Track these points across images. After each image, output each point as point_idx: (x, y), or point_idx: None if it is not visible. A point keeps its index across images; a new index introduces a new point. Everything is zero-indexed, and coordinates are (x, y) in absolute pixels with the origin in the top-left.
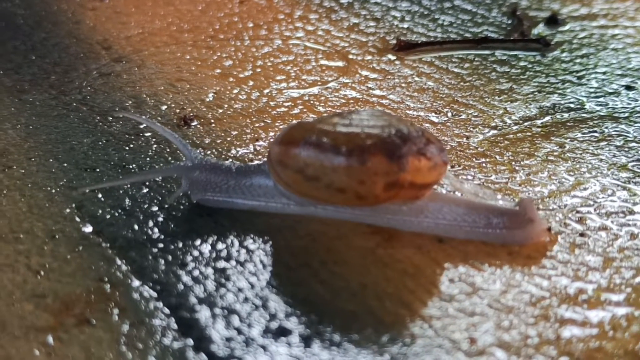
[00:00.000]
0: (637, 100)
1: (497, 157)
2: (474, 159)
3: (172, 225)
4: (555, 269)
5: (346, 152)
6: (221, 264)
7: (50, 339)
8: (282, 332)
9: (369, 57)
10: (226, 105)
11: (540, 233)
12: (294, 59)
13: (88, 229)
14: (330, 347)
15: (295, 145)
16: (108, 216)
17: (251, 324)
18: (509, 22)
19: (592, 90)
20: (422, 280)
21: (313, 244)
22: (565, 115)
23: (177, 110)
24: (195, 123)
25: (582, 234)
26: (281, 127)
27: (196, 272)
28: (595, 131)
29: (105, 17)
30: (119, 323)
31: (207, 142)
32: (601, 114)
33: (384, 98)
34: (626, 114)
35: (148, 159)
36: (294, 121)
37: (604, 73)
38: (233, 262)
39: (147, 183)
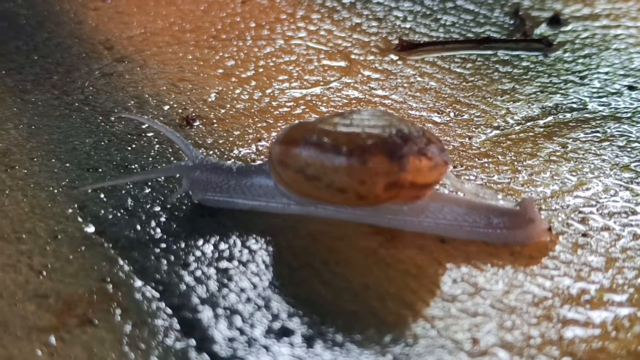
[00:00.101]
0: (639, 101)
1: (500, 157)
2: (476, 159)
3: (175, 226)
4: (557, 270)
5: (347, 152)
6: (223, 264)
7: (52, 339)
8: (284, 333)
9: (371, 57)
10: (228, 106)
11: (540, 233)
12: (296, 59)
13: (90, 229)
14: (332, 347)
15: (296, 145)
16: (110, 216)
17: (254, 324)
18: (512, 22)
19: (594, 90)
20: (424, 281)
21: (315, 244)
22: (568, 115)
23: (180, 111)
24: (197, 123)
25: (584, 234)
26: (283, 127)
27: (198, 273)
28: (598, 131)
29: (108, 17)
30: (121, 323)
31: (209, 142)
32: (604, 114)
33: (386, 98)
34: (629, 114)
35: (150, 159)
36: (296, 121)
37: (607, 73)
38: (235, 263)
39: (150, 183)
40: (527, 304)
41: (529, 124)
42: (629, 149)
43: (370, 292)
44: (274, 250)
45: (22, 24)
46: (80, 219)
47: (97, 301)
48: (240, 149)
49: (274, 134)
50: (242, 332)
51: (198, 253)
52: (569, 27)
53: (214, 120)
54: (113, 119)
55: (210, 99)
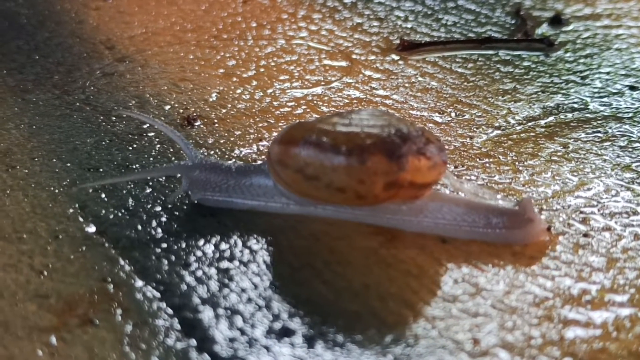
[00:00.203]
0: None
1: (501, 157)
2: (477, 159)
3: (176, 226)
4: (558, 270)
5: (346, 152)
6: (224, 264)
7: (53, 339)
8: (285, 333)
9: (373, 57)
10: (229, 105)
11: (539, 233)
12: (297, 58)
13: (91, 229)
14: (333, 347)
15: (295, 145)
16: (111, 216)
17: (254, 325)
18: (513, 22)
19: (595, 90)
20: (425, 281)
21: (316, 244)
22: (569, 115)
23: (181, 110)
24: (198, 123)
25: (585, 235)
26: (284, 127)
27: (199, 273)
28: (599, 131)
29: (109, 17)
30: (122, 323)
31: (210, 142)
32: (605, 114)
33: (387, 98)
34: (630, 114)
35: (151, 159)
36: (296, 121)
37: (608, 73)
38: (236, 263)
39: (150, 183)
40: (528, 305)
41: (530, 124)
42: (630, 149)
43: (371, 292)
44: (275, 250)
45: (23, 23)
46: (81, 219)
47: (98, 301)
48: (242, 149)
49: (275, 133)
50: (243, 332)
51: (199, 253)
52: (570, 27)
53: (215, 120)
54: (114, 118)
55: (211, 99)
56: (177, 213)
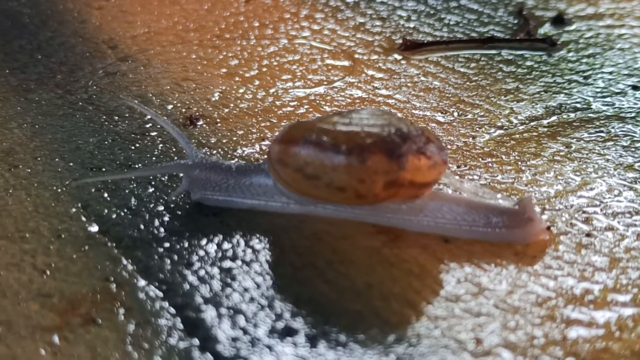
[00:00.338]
0: None
1: (504, 157)
2: (480, 159)
3: (178, 225)
4: (561, 270)
5: (346, 151)
6: (227, 263)
7: (56, 339)
8: (288, 332)
9: (375, 57)
10: (232, 105)
11: (539, 232)
12: (299, 58)
13: (94, 228)
14: (336, 347)
15: (295, 144)
16: (114, 215)
17: (257, 324)
18: (515, 21)
19: (598, 90)
20: (428, 281)
21: (319, 244)
22: (572, 115)
23: (183, 110)
24: (201, 122)
25: (588, 234)
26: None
27: (202, 272)
28: (602, 131)
29: (111, 16)
30: (124, 323)
31: (212, 141)
32: (608, 113)
33: (390, 98)
34: (633, 114)
35: (154, 158)
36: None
37: (611, 73)
38: (239, 262)
39: (153, 182)
40: (530, 304)
41: (532, 123)
42: (633, 149)
43: (374, 292)
44: (278, 249)
45: (26, 22)
46: (83, 218)
47: (100, 300)
48: (244, 149)
49: (277, 133)
50: (245, 331)
51: (201, 252)
52: (573, 27)
53: (218, 120)
54: (117, 118)
55: (213, 99)
56: (179, 212)
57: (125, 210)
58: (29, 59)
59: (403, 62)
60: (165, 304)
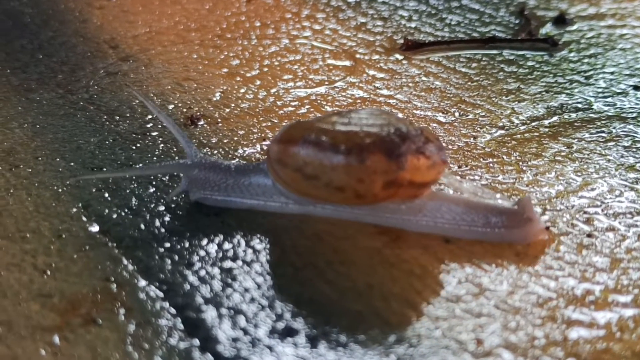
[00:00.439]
0: None
1: (505, 157)
2: (481, 159)
3: (179, 225)
4: (562, 270)
5: (345, 151)
6: (227, 263)
7: (56, 339)
8: (288, 333)
9: (376, 57)
10: (233, 105)
11: (538, 232)
12: (301, 58)
13: (94, 228)
14: (336, 347)
15: (294, 144)
16: (114, 215)
17: (257, 324)
18: (517, 21)
19: (600, 90)
20: (428, 281)
21: (319, 244)
22: (573, 115)
23: (184, 110)
24: (202, 122)
25: (589, 235)
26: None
27: (202, 272)
28: (603, 131)
29: (113, 16)
30: (125, 323)
31: (213, 141)
32: (609, 114)
33: (391, 98)
34: (634, 114)
35: (155, 158)
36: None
37: (612, 73)
38: (239, 262)
39: (154, 182)
40: (531, 305)
41: (534, 123)
42: (634, 149)
43: (375, 292)
44: (278, 250)
45: (27, 22)
46: (84, 218)
47: (101, 301)
48: (245, 149)
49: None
50: (245, 332)
51: (202, 252)
52: (574, 27)
53: (219, 120)
54: (118, 118)
55: (215, 98)
56: (180, 212)
57: (126, 210)
58: (30, 58)
59: (404, 62)
60: (166, 304)
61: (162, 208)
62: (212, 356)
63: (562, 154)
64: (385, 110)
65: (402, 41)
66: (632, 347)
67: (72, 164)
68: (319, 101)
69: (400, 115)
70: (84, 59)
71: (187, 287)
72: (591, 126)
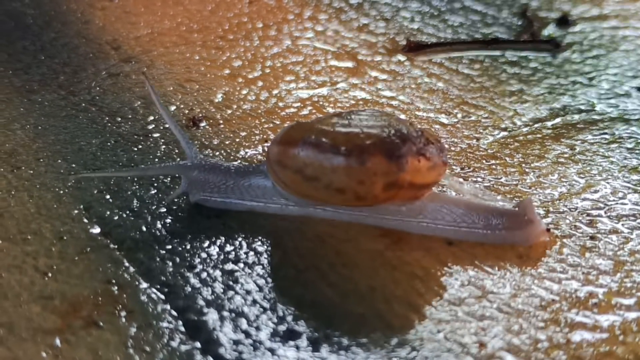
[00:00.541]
0: None
1: (507, 159)
2: (484, 161)
3: (180, 227)
4: (565, 273)
5: (345, 152)
6: (229, 266)
7: (57, 341)
8: (290, 335)
9: (379, 58)
10: (235, 106)
11: (539, 234)
12: (303, 59)
13: (96, 230)
14: (338, 350)
15: (294, 146)
16: (116, 217)
17: (259, 327)
18: (519, 23)
19: (602, 91)
20: (431, 284)
21: (321, 246)
22: (576, 117)
23: (186, 111)
24: (204, 124)
25: (592, 237)
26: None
27: (204, 274)
28: (606, 133)
29: (115, 17)
30: (126, 325)
31: (215, 143)
32: (612, 115)
33: (393, 99)
34: (637, 116)
35: (157, 160)
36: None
37: (615, 74)
38: (241, 264)
39: (155, 184)
40: (534, 308)
41: (536, 125)
42: (637, 151)
43: (377, 295)
44: (280, 252)
45: (29, 23)
46: (85, 220)
47: (102, 303)
48: (247, 150)
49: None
50: (247, 334)
51: (204, 255)
52: (577, 28)
53: (221, 121)
54: (119, 119)
55: (216, 100)
56: (181, 214)
57: (128, 212)
58: (32, 59)
59: (407, 63)
60: (167, 307)
61: (163, 210)
62: (214, 359)
63: (565, 155)
64: (387, 111)
65: (404, 42)
66: (636, 350)
67: (73, 165)
68: (321, 102)
69: (402, 116)
70: (86, 60)
71: (188, 289)
72: (594, 128)
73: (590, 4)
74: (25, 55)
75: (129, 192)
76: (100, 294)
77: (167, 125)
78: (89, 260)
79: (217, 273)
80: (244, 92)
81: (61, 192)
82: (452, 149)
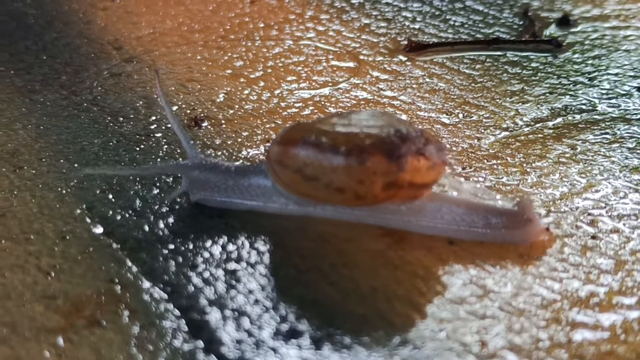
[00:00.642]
0: None
1: (509, 159)
2: (485, 161)
3: (183, 227)
4: (566, 272)
5: (345, 152)
6: (232, 265)
7: (60, 341)
8: (292, 335)
9: (380, 58)
10: (237, 106)
11: (538, 233)
12: (304, 59)
13: (99, 230)
14: (340, 349)
15: (294, 145)
16: (119, 217)
17: (261, 326)
18: (521, 23)
19: (604, 91)
20: (432, 283)
21: (323, 246)
22: (577, 116)
23: (188, 111)
24: (205, 124)
25: (593, 237)
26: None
27: (207, 274)
28: (607, 133)
29: (116, 17)
30: (129, 325)
31: (217, 143)
32: (613, 115)
33: (394, 99)
34: (638, 116)
35: (159, 159)
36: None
37: (616, 74)
38: (243, 264)
39: (158, 184)
40: (535, 307)
41: (538, 125)
42: (638, 151)
43: (379, 294)
44: (282, 251)
45: (31, 23)
46: (88, 220)
47: (105, 302)
48: (249, 150)
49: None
50: (250, 334)
51: (206, 254)
52: (578, 28)
53: (223, 121)
54: (121, 119)
55: (218, 100)
56: (184, 214)
57: (130, 212)
58: (34, 59)
59: (408, 63)
60: (170, 306)
61: (166, 210)
62: (216, 358)
63: (566, 155)
64: (386, 111)
65: (405, 42)
66: (637, 349)
67: (75, 165)
68: (322, 102)
69: (403, 116)
70: (88, 60)
71: (191, 288)
72: (595, 128)
73: (592, 4)
74: (27, 55)
75: (132, 192)
76: (103, 293)
77: (169, 125)
78: (91, 260)
79: (220, 272)
80: (246, 92)
81: (64, 191)
82: (454, 148)
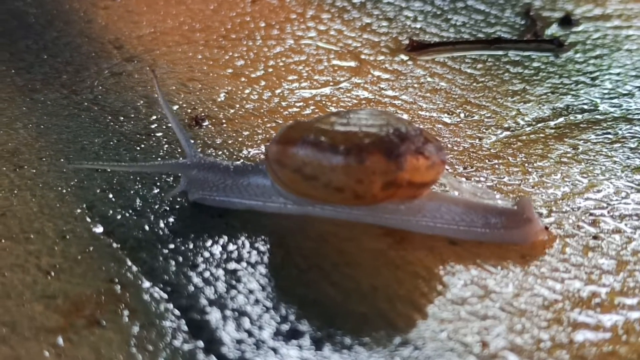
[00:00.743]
0: None
1: (510, 158)
2: (486, 161)
3: (183, 226)
4: (568, 272)
5: (344, 151)
6: (232, 265)
7: (60, 340)
8: (293, 335)
9: (382, 58)
10: (238, 105)
11: (538, 232)
12: (306, 59)
13: (99, 229)
14: (341, 350)
15: (293, 145)
16: (119, 217)
17: (262, 326)
18: (522, 22)
19: (605, 91)
20: (434, 283)
21: (324, 246)
22: (579, 116)
23: (189, 110)
24: (206, 123)
25: (595, 237)
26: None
27: (207, 274)
28: (609, 133)
29: (117, 16)
30: (129, 324)
31: (218, 142)
32: (615, 115)
33: (396, 99)
34: None
35: (159, 159)
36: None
37: (618, 74)
38: (244, 264)
39: (158, 183)
40: (537, 307)
41: (539, 125)
42: None
43: (380, 294)
44: (283, 251)
45: (32, 22)
46: (88, 219)
47: (105, 302)
48: (249, 149)
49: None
50: (250, 334)
51: (206, 254)
52: (580, 28)
53: (223, 121)
54: (122, 118)
55: (219, 99)
56: (184, 214)
57: (130, 212)
58: (34, 58)
59: (409, 62)
60: (170, 306)
61: (166, 209)
62: (217, 358)
63: (568, 155)
64: (385, 110)
65: (407, 42)
66: (639, 349)
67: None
68: (323, 102)
69: (405, 116)
70: (89, 59)
71: (191, 288)
72: (597, 127)
73: (594, 4)
74: (27, 54)
75: (132, 192)
76: (103, 293)
77: (169, 124)
78: (91, 259)
79: (220, 272)
80: (247, 91)
81: (64, 191)
82: (455, 148)
